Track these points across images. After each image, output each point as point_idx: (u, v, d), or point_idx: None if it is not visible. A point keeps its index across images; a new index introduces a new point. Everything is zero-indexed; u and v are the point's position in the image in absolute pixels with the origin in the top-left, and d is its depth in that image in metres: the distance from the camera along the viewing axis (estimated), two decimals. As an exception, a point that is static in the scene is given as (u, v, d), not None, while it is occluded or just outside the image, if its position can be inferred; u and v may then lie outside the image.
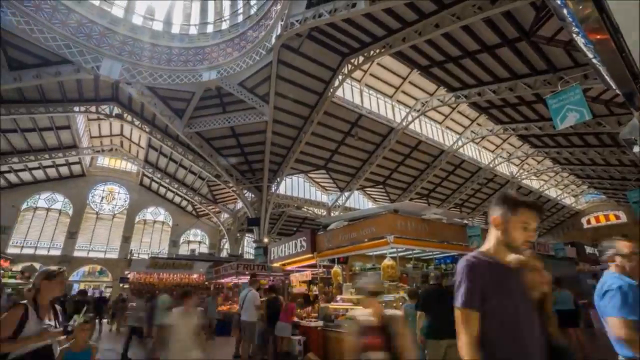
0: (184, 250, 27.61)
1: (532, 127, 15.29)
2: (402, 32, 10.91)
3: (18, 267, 18.61)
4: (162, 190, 26.95)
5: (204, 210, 26.68)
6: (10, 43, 11.61)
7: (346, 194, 21.55)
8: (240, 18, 15.50)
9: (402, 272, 7.25)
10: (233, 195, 21.09)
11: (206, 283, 15.52)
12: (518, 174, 24.58)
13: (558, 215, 31.87)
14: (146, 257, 21.98)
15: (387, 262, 6.37)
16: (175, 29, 16.31)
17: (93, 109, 15.74)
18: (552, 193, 28.44)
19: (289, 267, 10.34)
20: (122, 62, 13.70)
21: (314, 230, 8.57)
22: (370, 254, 7.69)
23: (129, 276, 15.84)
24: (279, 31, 11.38)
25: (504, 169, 24.33)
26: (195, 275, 16.33)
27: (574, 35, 3.45)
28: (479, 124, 19.03)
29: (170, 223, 28.32)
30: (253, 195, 18.48)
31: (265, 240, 17.42)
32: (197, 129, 15.45)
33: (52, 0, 12.40)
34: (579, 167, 21.08)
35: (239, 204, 22.83)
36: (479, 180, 23.28)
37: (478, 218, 28.73)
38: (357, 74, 15.26)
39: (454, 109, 18.43)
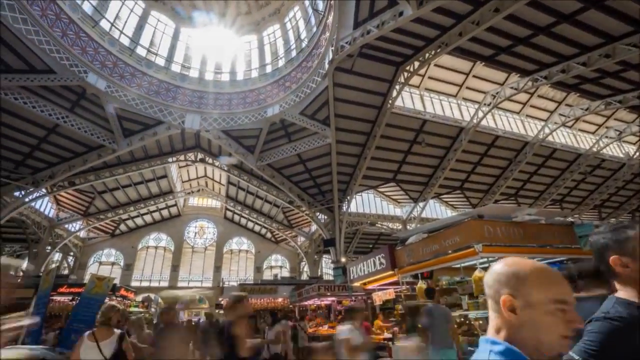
0: (267, 275, 29.18)
1: (645, 96, 12.60)
2: (457, 27, 10.35)
3: (139, 298, 22.00)
4: (244, 221, 29.32)
5: (282, 236, 28.06)
6: (124, 117, 14.46)
7: (421, 204, 20.43)
8: (293, 53, 16.67)
9: (500, 285, 6.42)
10: (307, 219, 21.80)
11: (290, 306, 16.02)
12: (638, 154, 20.12)
13: None
14: (235, 284, 23.86)
15: (479, 273, 5.72)
16: (240, 76, 18.33)
17: (182, 157, 18.29)
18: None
19: (370, 286, 10.06)
20: (200, 113, 15.82)
21: (392, 246, 8.25)
22: (457, 265, 7.03)
23: (222, 302, 17.33)
24: (330, 56, 11.85)
25: (615, 150, 20.28)
26: (280, 299, 17.04)
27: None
28: (568, 105, 16.45)
29: (253, 251, 30.40)
30: (326, 217, 18.83)
31: (343, 260, 17.38)
32: (267, 161, 16.67)
33: (147, 76, 15.21)
34: None
35: (314, 227, 23.44)
36: (580, 169, 19.73)
37: (587, 213, 24.17)
38: (415, 80, 14.80)
39: (532, 94, 16.36)
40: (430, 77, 15.76)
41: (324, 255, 26.63)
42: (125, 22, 16.18)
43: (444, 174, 17.85)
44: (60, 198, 19.87)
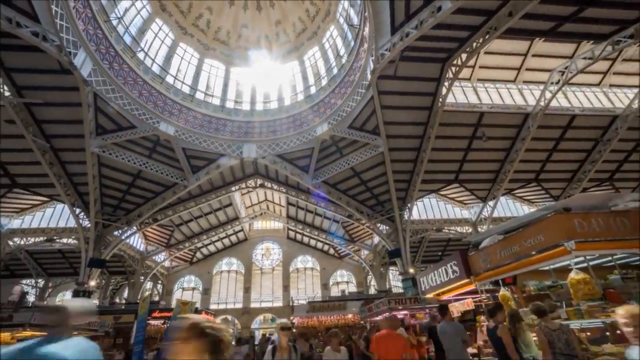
0: (334, 292, 29.03)
1: None
2: (505, 7, 9.58)
3: (218, 320, 23.55)
4: (306, 239, 29.91)
5: (345, 251, 27.88)
6: (191, 155, 16.17)
7: (490, 203, 18.67)
8: (335, 70, 17.06)
9: (606, 287, 5.43)
10: (368, 232, 21.40)
11: (361, 322, 15.59)
12: None
13: None
14: (304, 302, 24.14)
15: (576, 276, 4.92)
16: (287, 101, 19.29)
17: (243, 185, 19.58)
18: None
19: (444, 297, 9.34)
20: (255, 142, 16.92)
21: (464, 251, 7.61)
22: (546, 268, 6.16)
23: (294, 321, 17.60)
24: (372, 66, 11.85)
25: None
26: (349, 315, 16.72)
27: None
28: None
29: (318, 268, 30.65)
30: (387, 227, 18.27)
31: (411, 270, 16.52)
32: (322, 178, 16.97)
33: (207, 116, 16.90)
34: None
35: (376, 239, 22.88)
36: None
37: None
38: (465, 72, 13.97)
39: (614, 60, 14.16)
40: (481, 67, 14.71)
41: (391, 267, 25.65)
42: (185, 73, 18.37)
43: (513, 166, 16.13)
44: (147, 233, 22.65)
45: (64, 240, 18.56)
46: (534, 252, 5.49)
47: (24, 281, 23.23)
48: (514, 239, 5.94)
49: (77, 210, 16.16)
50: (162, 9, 17.38)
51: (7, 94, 11.27)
